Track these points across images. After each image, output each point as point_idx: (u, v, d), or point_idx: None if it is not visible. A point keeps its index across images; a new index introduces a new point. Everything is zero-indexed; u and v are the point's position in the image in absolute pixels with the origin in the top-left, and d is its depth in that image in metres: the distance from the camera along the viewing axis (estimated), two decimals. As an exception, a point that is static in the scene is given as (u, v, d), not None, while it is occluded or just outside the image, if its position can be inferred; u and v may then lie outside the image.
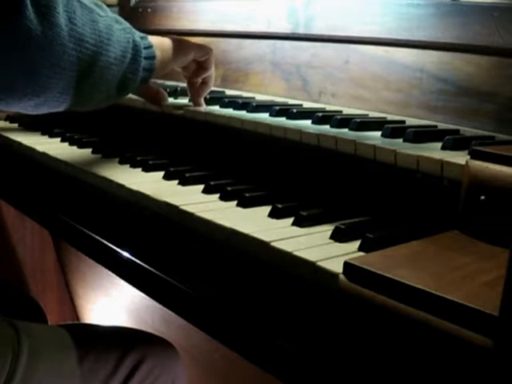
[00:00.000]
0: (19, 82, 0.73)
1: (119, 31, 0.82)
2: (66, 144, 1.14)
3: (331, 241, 0.65)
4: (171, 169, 0.91)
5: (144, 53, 0.86)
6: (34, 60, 0.71)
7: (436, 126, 0.91)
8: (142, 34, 0.89)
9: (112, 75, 0.81)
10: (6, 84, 0.72)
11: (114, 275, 0.83)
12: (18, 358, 0.87)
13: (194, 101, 1.04)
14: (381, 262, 0.51)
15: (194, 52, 0.99)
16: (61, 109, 0.82)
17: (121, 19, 0.85)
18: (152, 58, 0.89)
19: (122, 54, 0.81)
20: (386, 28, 1.00)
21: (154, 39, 0.91)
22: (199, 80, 1.03)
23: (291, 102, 1.13)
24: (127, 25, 0.85)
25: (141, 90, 0.98)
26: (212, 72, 1.04)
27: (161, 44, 0.93)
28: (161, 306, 0.74)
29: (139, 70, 0.85)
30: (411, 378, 0.47)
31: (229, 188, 0.80)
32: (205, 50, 1.01)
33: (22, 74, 0.72)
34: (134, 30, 0.87)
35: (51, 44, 0.71)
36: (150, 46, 0.88)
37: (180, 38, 0.99)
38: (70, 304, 1.92)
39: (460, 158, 0.66)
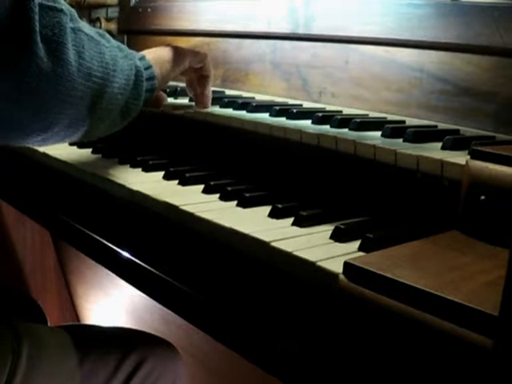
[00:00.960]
0: (28, 120, 0.72)
1: (122, 59, 0.82)
2: (66, 144, 1.14)
3: (331, 241, 0.65)
4: (171, 169, 0.91)
5: (145, 75, 0.87)
6: (44, 97, 0.70)
7: (436, 126, 0.91)
8: (141, 55, 0.89)
9: (117, 104, 0.81)
10: (15, 122, 0.72)
11: (114, 275, 0.83)
12: (18, 359, 0.87)
13: (203, 105, 1.03)
14: (381, 262, 0.51)
15: (189, 59, 0.98)
16: (66, 141, 0.83)
17: (122, 46, 0.85)
18: (152, 78, 0.89)
19: (126, 82, 0.82)
20: (386, 28, 1.00)
21: (150, 55, 0.92)
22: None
23: (291, 101, 1.13)
24: (129, 51, 0.86)
25: None
26: (210, 75, 1.04)
27: (158, 59, 0.93)
28: (161, 306, 0.74)
29: (142, 95, 0.86)
30: (411, 378, 0.47)
31: (229, 188, 0.80)
32: (199, 56, 1.01)
33: (31, 112, 0.71)
34: (134, 53, 0.87)
35: (61, 81, 0.71)
36: (149, 67, 0.88)
37: (175, 47, 0.98)
38: (70, 304, 1.92)
39: (460, 157, 0.66)
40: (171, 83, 1.36)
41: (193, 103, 1.06)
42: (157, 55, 0.93)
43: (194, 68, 1.01)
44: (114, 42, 0.82)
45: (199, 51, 1.03)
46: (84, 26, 0.76)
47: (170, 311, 0.72)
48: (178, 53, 0.97)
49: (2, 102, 0.69)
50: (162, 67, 0.93)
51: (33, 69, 0.68)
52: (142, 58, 0.88)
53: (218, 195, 0.80)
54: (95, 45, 0.76)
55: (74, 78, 0.72)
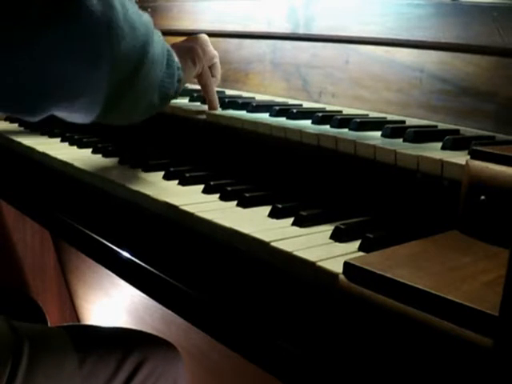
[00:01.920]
0: (75, 76, 0.68)
1: (157, 34, 0.79)
2: (66, 144, 1.14)
3: (331, 241, 0.65)
4: (171, 169, 0.91)
5: (176, 63, 0.84)
6: (97, 47, 0.66)
7: (436, 126, 0.91)
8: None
9: (155, 76, 0.78)
10: (60, 78, 0.67)
11: (114, 275, 0.83)
12: (18, 360, 0.87)
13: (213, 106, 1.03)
14: (381, 262, 0.51)
15: (204, 63, 0.99)
16: (93, 119, 0.78)
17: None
18: (180, 68, 0.85)
19: (162, 55, 0.79)
20: (386, 28, 1.00)
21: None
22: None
23: (291, 101, 1.13)
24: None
25: None
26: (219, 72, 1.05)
27: (179, 56, 0.89)
28: (161, 306, 0.74)
29: (175, 75, 0.83)
30: (411, 378, 0.47)
31: (229, 188, 0.80)
32: (212, 54, 1.01)
33: (84, 67, 0.67)
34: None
35: (112, 24, 0.67)
36: (176, 59, 0.85)
37: (190, 47, 0.97)
38: (70, 304, 1.92)
39: (460, 157, 0.66)
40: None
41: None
42: (177, 53, 0.89)
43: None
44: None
45: (212, 53, 1.02)
46: None
47: (170, 311, 0.72)
48: (198, 55, 0.97)
49: (54, 54, 0.64)
50: (184, 65, 0.91)
51: (84, 12, 0.64)
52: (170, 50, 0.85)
53: (218, 195, 0.80)
54: (133, 4, 0.73)
55: (122, 26, 0.68)
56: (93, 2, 0.65)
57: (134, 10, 0.72)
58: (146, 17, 0.76)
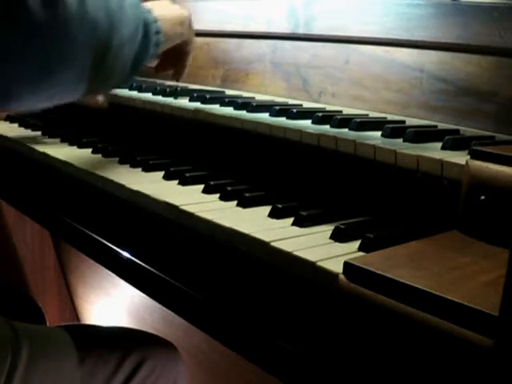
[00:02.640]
0: (35, 76, 0.68)
1: (130, 7, 0.78)
2: (66, 144, 1.14)
3: (331, 241, 0.65)
4: (171, 169, 0.91)
5: (153, 28, 0.84)
6: (45, 53, 0.66)
7: (436, 126, 0.91)
8: (148, 7, 0.86)
9: (126, 55, 0.78)
10: (24, 79, 0.68)
11: (114, 275, 0.83)
12: (17, 359, 0.86)
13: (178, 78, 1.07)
14: (381, 262, 0.51)
15: (190, 36, 1.00)
16: (75, 98, 0.79)
17: None
18: (160, 32, 0.86)
19: (135, 32, 0.78)
20: (386, 28, 1.00)
21: (156, 11, 0.87)
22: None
23: (291, 101, 1.13)
24: (135, 1, 0.81)
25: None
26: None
27: (163, 17, 0.89)
28: (161, 306, 0.74)
29: (150, 47, 0.83)
30: (411, 378, 0.47)
31: (229, 188, 0.80)
32: (190, 21, 1.01)
33: (37, 68, 0.67)
34: (139, 2, 0.84)
35: (58, 35, 0.66)
36: (156, 21, 0.85)
37: (184, 17, 0.97)
38: (70, 304, 1.92)
39: (460, 157, 0.66)
40: (171, 83, 1.36)
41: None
42: (162, 14, 0.89)
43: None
44: None
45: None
46: None
47: (170, 311, 0.72)
48: (182, 21, 0.97)
49: (10, 54, 0.65)
50: (167, 27, 0.90)
51: (25, 22, 0.63)
52: (150, 11, 0.85)
53: (218, 195, 0.80)
54: None
55: (74, 32, 0.67)
56: (36, 13, 0.64)
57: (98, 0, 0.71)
58: (113, 6, 0.74)
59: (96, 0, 0.70)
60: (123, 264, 0.77)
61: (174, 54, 1.03)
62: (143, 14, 0.82)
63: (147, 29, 0.81)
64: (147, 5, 0.87)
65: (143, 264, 0.74)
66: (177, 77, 1.06)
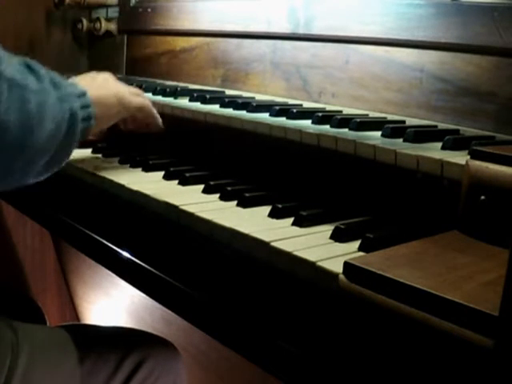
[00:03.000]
0: None
1: (54, 103, 0.74)
2: (66, 144, 1.14)
3: (331, 241, 0.65)
4: (171, 169, 0.91)
5: (81, 115, 0.79)
6: None
7: (436, 126, 0.91)
8: (82, 91, 0.82)
9: (44, 150, 0.74)
10: None
11: (114, 275, 0.83)
12: (16, 359, 0.87)
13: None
14: (381, 262, 0.51)
15: (132, 111, 0.95)
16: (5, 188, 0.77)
17: (59, 81, 0.77)
18: (89, 118, 0.82)
19: (56, 129, 0.74)
20: (386, 28, 1.00)
21: (94, 92, 0.85)
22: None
23: (291, 101, 1.13)
24: (66, 88, 0.78)
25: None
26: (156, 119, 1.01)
27: (101, 100, 0.87)
28: (161, 306, 0.74)
29: (75, 140, 0.79)
30: (411, 377, 0.47)
31: (229, 188, 0.80)
32: (144, 110, 0.97)
33: None
34: (73, 89, 0.80)
35: None
36: (87, 105, 0.82)
37: (121, 95, 0.93)
38: (70, 304, 1.92)
39: (460, 157, 0.66)
40: (171, 83, 1.36)
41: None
42: (100, 96, 0.87)
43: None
44: (47, 81, 0.74)
45: (146, 104, 0.98)
46: (9, 66, 0.67)
47: (170, 311, 0.72)
48: (124, 105, 0.93)
49: None
50: (104, 110, 0.88)
51: None
52: (82, 95, 0.81)
53: (217, 195, 0.80)
54: (19, 90, 0.68)
55: None
56: None
57: (14, 100, 0.67)
58: (38, 95, 0.71)
59: (11, 102, 0.67)
60: (123, 264, 0.77)
61: (132, 121, 1.00)
62: (70, 104, 0.77)
63: (73, 119, 0.77)
64: (84, 83, 0.85)
65: (143, 264, 0.74)
66: (152, 130, 1.02)
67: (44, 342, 0.94)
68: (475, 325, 0.43)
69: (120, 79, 1.35)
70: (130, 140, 1.11)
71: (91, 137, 0.94)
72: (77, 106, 0.78)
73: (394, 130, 0.80)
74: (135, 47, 1.59)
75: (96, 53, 1.72)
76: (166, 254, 0.75)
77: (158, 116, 1.01)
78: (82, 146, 1.10)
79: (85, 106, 0.81)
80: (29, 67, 0.72)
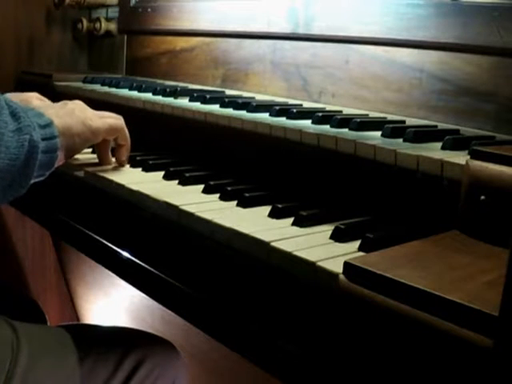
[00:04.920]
0: None
1: (12, 134, 0.73)
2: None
3: (331, 241, 0.65)
4: (171, 169, 0.91)
5: (42, 147, 0.78)
6: None
7: (436, 126, 0.91)
8: (48, 121, 0.81)
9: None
10: None
11: (114, 275, 0.83)
12: (16, 359, 0.86)
13: (118, 161, 0.98)
14: (381, 262, 0.51)
15: (102, 136, 0.93)
16: None
17: (19, 112, 0.76)
18: (53, 150, 0.81)
19: (10, 163, 0.73)
20: (386, 28, 1.00)
21: (61, 120, 0.84)
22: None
23: (291, 101, 1.13)
24: (26, 121, 0.76)
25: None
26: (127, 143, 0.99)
27: (68, 129, 0.85)
28: (161, 306, 0.74)
29: (32, 172, 0.78)
30: (412, 378, 0.47)
31: (229, 188, 0.80)
32: (114, 131, 0.94)
33: None
34: (36, 119, 0.79)
35: None
36: (52, 137, 0.80)
37: (89, 123, 0.89)
38: (70, 304, 1.92)
39: (460, 157, 0.66)
40: (171, 83, 1.36)
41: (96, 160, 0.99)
42: (68, 125, 0.85)
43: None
44: (5, 113, 0.73)
45: (114, 124, 0.95)
46: None
47: (170, 311, 0.72)
48: (92, 130, 0.90)
49: None
50: (71, 139, 0.86)
51: None
52: (48, 126, 0.80)
53: (217, 195, 0.80)
54: None
55: None
56: None
57: None
58: None
59: None
60: (123, 264, 0.77)
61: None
62: (30, 135, 0.76)
63: (33, 150, 0.76)
64: (51, 113, 0.84)
65: (143, 264, 0.74)
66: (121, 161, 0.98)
67: (44, 342, 0.94)
68: (475, 325, 0.43)
69: (120, 79, 1.35)
70: (130, 140, 1.11)
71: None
72: (37, 137, 0.77)
73: (394, 129, 0.80)
74: (135, 47, 1.59)
75: (96, 53, 1.72)
76: (166, 254, 0.75)
77: (128, 138, 0.98)
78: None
79: (48, 138, 0.80)
80: None
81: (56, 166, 0.84)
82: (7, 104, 0.75)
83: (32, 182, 0.79)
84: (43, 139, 0.79)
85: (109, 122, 0.94)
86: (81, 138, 0.88)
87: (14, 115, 0.75)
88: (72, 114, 0.88)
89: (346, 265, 0.52)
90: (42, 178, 0.82)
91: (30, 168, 0.77)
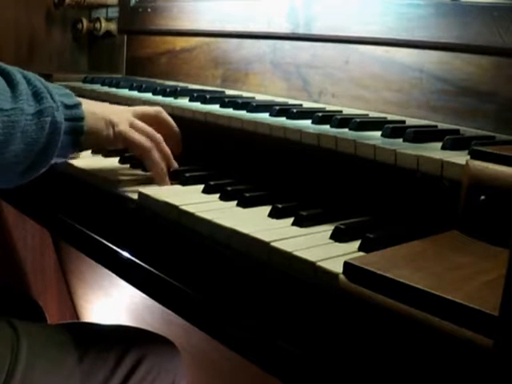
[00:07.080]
0: None
1: (30, 119, 0.72)
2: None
3: (331, 241, 0.65)
4: (171, 169, 0.91)
5: (64, 127, 0.77)
6: None
7: (436, 126, 0.91)
8: (75, 102, 0.79)
9: (16, 164, 0.73)
10: None
11: (114, 275, 0.83)
12: (16, 357, 0.87)
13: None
14: (381, 262, 0.51)
15: (122, 145, 0.89)
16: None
17: (42, 91, 0.74)
18: (77, 132, 0.79)
19: (26, 147, 0.72)
20: (386, 28, 1.00)
21: (96, 108, 0.82)
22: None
23: (291, 101, 1.13)
24: (48, 102, 0.74)
25: None
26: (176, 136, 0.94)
27: (101, 118, 0.83)
28: (161, 306, 0.74)
29: (53, 153, 0.77)
30: (412, 377, 0.47)
31: (229, 188, 0.80)
32: (138, 149, 0.87)
33: None
34: (61, 98, 0.77)
35: None
36: (79, 118, 0.79)
37: (116, 121, 0.85)
38: (70, 304, 1.92)
39: (460, 157, 0.66)
40: (171, 83, 1.36)
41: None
42: (101, 116, 0.83)
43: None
44: (24, 97, 0.72)
45: (144, 143, 0.87)
46: None
47: (169, 311, 0.72)
48: (116, 136, 0.86)
49: None
50: (100, 126, 0.84)
51: None
52: (75, 106, 0.79)
53: (217, 195, 0.80)
54: None
55: None
56: None
57: None
58: (7, 116, 0.70)
59: None
60: (123, 264, 0.77)
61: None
62: (54, 118, 0.75)
63: (54, 136, 0.75)
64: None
65: (143, 264, 0.74)
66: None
67: (44, 340, 0.94)
68: (475, 325, 0.43)
69: (120, 79, 1.35)
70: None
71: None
72: (60, 117, 0.76)
73: (394, 129, 0.80)
74: (135, 47, 1.59)
75: (96, 53, 1.72)
76: (166, 253, 0.75)
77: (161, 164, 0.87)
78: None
79: (73, 119, 0.78)
80: (8, 82, 0.71)
81: (80, 149, 0.83)
82: (31, 84, 0.74)
83: (53, 162, 0.79)
84: (67, 119, 0.77)
85: (138, 141, 0.87)
86: (103, 132, 0.84)
87: (37, 96, 0.74)
88: (104, 105, 0.88)
89: (346, 265, 0.52)
90: (63, 160, 0.81)
91: (52, 149, 0.76)
